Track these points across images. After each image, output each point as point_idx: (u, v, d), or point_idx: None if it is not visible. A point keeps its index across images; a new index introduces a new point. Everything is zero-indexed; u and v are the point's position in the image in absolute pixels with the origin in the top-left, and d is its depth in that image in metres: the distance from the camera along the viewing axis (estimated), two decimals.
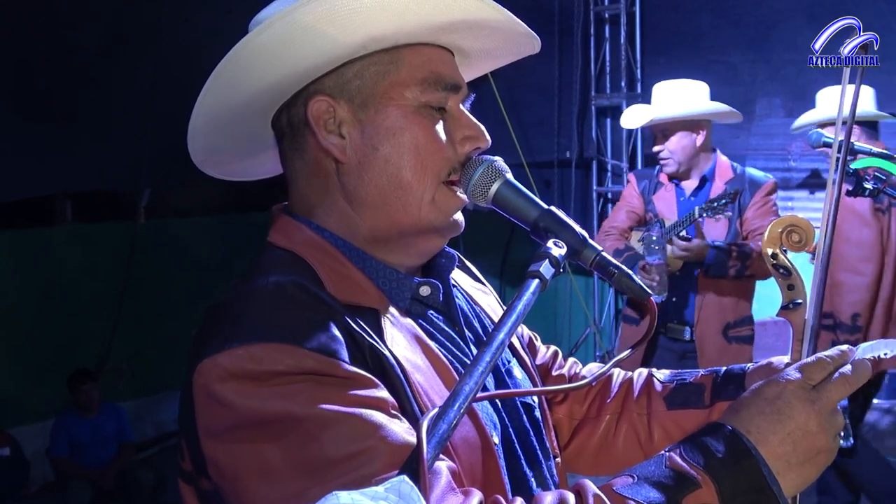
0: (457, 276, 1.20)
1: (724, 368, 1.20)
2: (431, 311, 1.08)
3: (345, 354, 0.89)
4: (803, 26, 5.22)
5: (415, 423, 0.88)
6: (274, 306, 0.92)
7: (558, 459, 1.18)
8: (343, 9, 0.93)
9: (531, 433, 1.12)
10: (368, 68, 1.01)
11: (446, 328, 1.08)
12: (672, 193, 3.51)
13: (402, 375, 0.93)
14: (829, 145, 2.81)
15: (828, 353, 0.96)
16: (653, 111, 3.39)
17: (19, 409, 5.09)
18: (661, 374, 1.27)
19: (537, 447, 1.12)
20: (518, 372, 1.17)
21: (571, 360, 1.37)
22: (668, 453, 0.90)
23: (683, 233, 3.34)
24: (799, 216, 1.08)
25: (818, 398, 0.92)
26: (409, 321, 1.02)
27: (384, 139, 1.00)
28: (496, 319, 1.17)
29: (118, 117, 4.98)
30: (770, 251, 1.08)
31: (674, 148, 3.36)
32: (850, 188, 2.75)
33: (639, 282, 0.97)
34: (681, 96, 3.37)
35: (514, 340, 1.23)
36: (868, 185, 2.69)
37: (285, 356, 0.86)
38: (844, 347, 0.98)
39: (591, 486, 0.87)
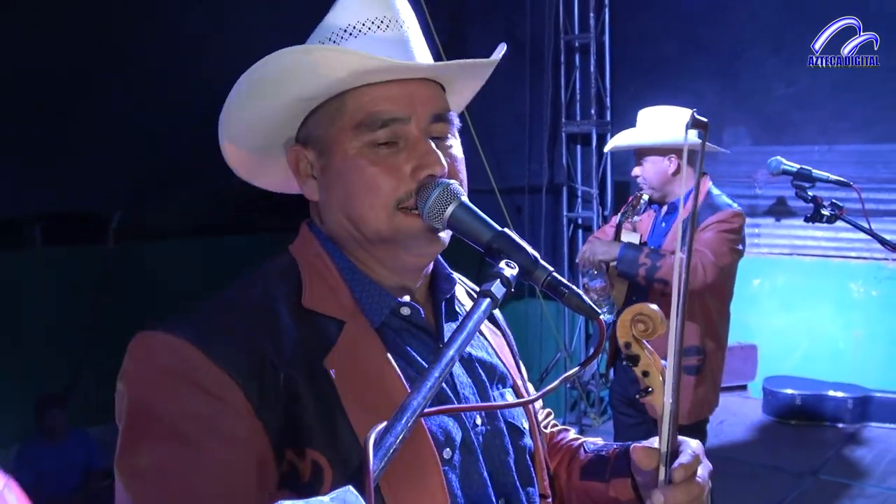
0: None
1: (627, 444, 1.21)
2: (414, 328, 1.11)
3: (243, 369, 0.95)
4: (768, 56, 5.36)
5: (344, 432, 0.95)
6: (218, 310, 1.02)
7: (549, 501, 1.19)
8: (283, 72, 1.02)
9: (511, 456, 1.13)
10: (322, 117, 1.08)
11: (423, 347, 1.10)
12: (650, 217, 3.55)
13: (334, 387, 0.98)
14: (787, 172, 2.89)
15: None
16: (629, 136, 3.42)
17: None
18: (591, 444, 1.31)
19: (514, 471, 1.13)
20: (511, 399, 1.19)
21: (562, 426, 1.41)
22: None
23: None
24: (649, 305, 1.06)
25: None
26: (373, 335, 1.05)
27: (335, 181, 1.08)
28: (502, 356, 1.22)
29: (89, 139, 4.97)
30: (623, 341, 1.09)
31: (646, 174, 3.39)
32: (809, 214, 2.83)
33: (588, 302, 0.99)
34: (657, 123, 3.36)
35: (517, 380, 1.23)
36: (825, 212, 2.76)
37: (179, 353, 0.94)
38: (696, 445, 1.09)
39: None
